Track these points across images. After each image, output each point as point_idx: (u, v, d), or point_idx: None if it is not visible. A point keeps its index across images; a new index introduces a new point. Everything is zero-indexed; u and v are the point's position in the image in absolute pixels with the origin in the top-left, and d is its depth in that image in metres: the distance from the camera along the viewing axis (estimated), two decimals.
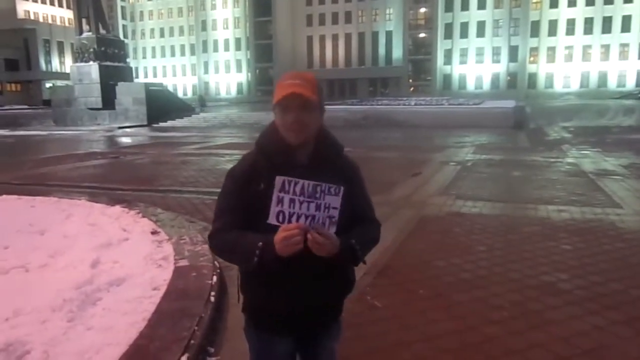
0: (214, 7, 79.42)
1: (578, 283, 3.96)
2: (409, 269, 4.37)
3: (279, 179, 1.41)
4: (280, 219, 1.42)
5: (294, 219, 1.42)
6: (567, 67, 62.59)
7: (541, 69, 63.87)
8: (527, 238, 5.26)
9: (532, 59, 63.96)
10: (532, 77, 64.11)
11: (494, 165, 11.00)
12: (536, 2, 62.99)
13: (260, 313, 1.64)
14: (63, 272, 3.86)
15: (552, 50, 63.08)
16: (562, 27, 62.22)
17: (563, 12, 61.89)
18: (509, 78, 64.58)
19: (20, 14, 68.55)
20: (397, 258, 4.65)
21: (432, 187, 8.46)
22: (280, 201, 1.42)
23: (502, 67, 64.83)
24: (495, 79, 65.27)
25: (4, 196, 7.18)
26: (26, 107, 51.70)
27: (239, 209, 1.53)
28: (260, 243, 1.43)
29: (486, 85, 65.51)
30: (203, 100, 39.06)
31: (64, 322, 2.95)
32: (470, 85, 66.08)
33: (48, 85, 59.83)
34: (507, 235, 5.37)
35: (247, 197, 1.51)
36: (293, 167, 1.48)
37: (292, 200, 1.42)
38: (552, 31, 62.60)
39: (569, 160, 11.51)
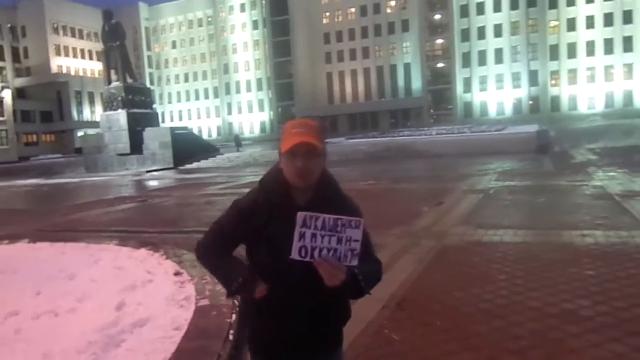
0: (235, 50, 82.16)
1: (600, 309, 3.89)
2: (427, 301, 4.37)
3: (300, 215, 1.45)
4: (303, 253, 1.46)
5: (316, 252, 1.46)
6: (590, 88, 61.83)
7: (564, 91, 63.29)
8: (548, 265, 5.19)
9: (553, 82, 63.54)
10: (555, 100, 63.50)
11: (517, 192, 10.89)
12: (553, 27, 63.06)
13: (259, 344, 1.70)
14: (90, 315, 4.00)
15: (573, 72, 62.59)
16: (581, 49, 61.88)
17: (582, 35, 61.70)
18: (531, 102, 64.13)
19: (54, 68, 72.32)
20: (415, 290, 4.66)
21: (454, 216, 8.43)
22: (302, 236, 1.45)
23: (523, 92, 64.55)
24: (517, 104, 64.90)
25: (39, 244, 7.52)
26: (60, 155, 53.84)
27: (231, 236, 1.65)
28: (241, 279, 1.56)
29: (508, 110, 65.14)
30: (239, 139, 40.25)
31: None
32: (492, 112, 65.80)
33: (80, 133, 62.30)
34: (527, 263, 5.31)
35: (244, 230, 1.61)
36: (292, 208, 1.54)
37: (313, 235, 1.45)
38: (572, 53, 62.28)
39: (595, 182, 11.30)
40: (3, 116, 57.90)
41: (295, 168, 1.55)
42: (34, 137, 68.04)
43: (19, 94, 65.96)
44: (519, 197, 10.29)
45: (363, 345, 3.48)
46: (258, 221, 1.59)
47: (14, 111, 60.90)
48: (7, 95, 59.41)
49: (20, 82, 70.26)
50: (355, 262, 1.48)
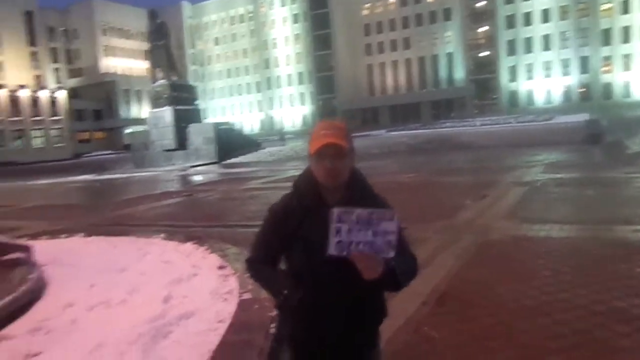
0: (275, 45, 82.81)
1: None
2: (469, 297, 4.31)
3: (334, 211, 1.47)
4: (340, 249, 1.48)
5: (353, 246, 1.47)
6: None
7: (617, 78, 60.15)
8: (597, 261, 5.01)
9: (605, 68, 60.47)
10: (607, 88, 60.44)
11: (565, 185, 10.51)
12: (606, 10, 59.91)
13: (297, 343, 1.74)
14: (139, 307, 4.20)
15: (627, 57, 59.32)
16: (637, 33, 58.53)
17: (637, 18, 58.35)
18: (581, 90, 61.34)
19: (102, 68, 75.30)
20: (456, 285, 4.61)
21: (498, 210, 8.24)
22: (338, 232, 1.47)
23: (573, 80, 61.81)
24: (566, 93, 62.23)
25: (92, 238, 7.94)
26: (110, 152, 56.13)
27: (273, 243, 1.72)
28: (285, 292, 1.64)
29: (557, 99, 62.59)
30: (283, 133, 41.07)
31: (138, 354, 3.24)
32: (540, 101, 63.42)
33: (128, 131, 64.72)
34: (575, 259, 5.14)
35: (281, 233, 1.68)
36: (324, 207, 1.58)
37: (349, 230, 1.47)
38: (626, 38, 59.03)
39: None
40: (58, 115, 60.89)
41: (324, 169, 1.60)
42: (87, 134, 71.26)
43: (72, 94, 69.15)
44: (567, 190, 9.93)
45: (402, 342, 3.49)
46: (292, 223, 1.65)
47: (68, 110, 63.91)
48: (62, 95, 62.43)
49: (73, 82, 73.61)
50: (392, 254, 1.49)
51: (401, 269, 1.59)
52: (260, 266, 1.77)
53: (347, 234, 1.47)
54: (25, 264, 5.32)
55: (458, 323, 3.78)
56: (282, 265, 1.78)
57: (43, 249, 6.28)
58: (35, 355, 3.40)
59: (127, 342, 3.41)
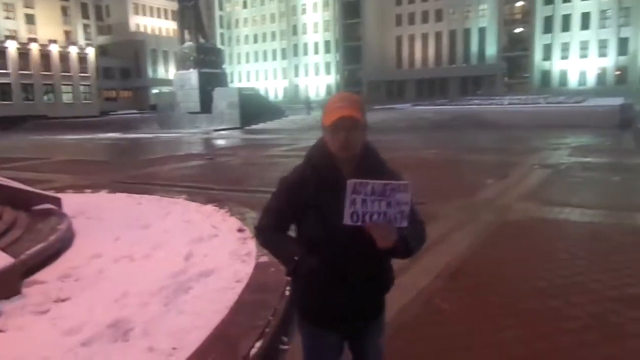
0: (304, 11, 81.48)
1: None
2: (482, 274, 4.36)
3: (350, 182, 1.49)
4: (355, 219, 1.51)
5: (367, 217, 1.51)
6: None
7: None
8: (616, 247, 4.99)
9: None
10: None
11: (591, 169, 10.32)
12: None
13: (308, 309, 1.82)
14: (162, 262, 4.37)
15: None
16: None
17: None
18: (617, 73, 59.07)
19: (132, 26, 75.35)
20: (471, 262, 4.65)
21: (519, 191, 8.18)
22: (353, 203, 1.50)
23: (609, 61, 59.46)
24: (601, 75, 60.00)
25: (117, 194, 8.17)
26: (136, 112, 56.74)
27: (285, 213, 1.75)
28: (296, 257, 1.66)
29: (591, 81, 60.46)
30: (309, 102, 39.92)
31: (160, 306, 3.40)
32: (573, 82, 61.37)
33: (154, 91, 65.13)
34: (593, 244, 5.12)
35: (295, 203, 1.71)
36: (339, 178, 1.62)
37: (364, 201, 1.50)
38: None
39: None
40: (87, 72, 61.52)
41: (339, 140, 1.63)
42: (114, 93, 71.98)
43: (101, 51, 69.59)
44: (593, 174, 9.75)
45: (413, 312, 3.58)
46: (307, 193, 1.68)
47: (97, 68, 64.49)
48: (91, 52, 62.88)
49: (102, 39, 73.94)
50: (405, 224, 1.53)
51: (413, 237, 1.64)
52: (270, 233, 1.79)
53: (362, 204, 1.50)
54: (55, 214, 5.54)
55: (469, 298, 3.84)
56: (292, 234, 1.80)
57: (71, 202, 6.51)
58: (65, 300, 3.59)
59: (150, 293, 3.57)
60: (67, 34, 65.82)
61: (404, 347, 3.09)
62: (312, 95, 76.86)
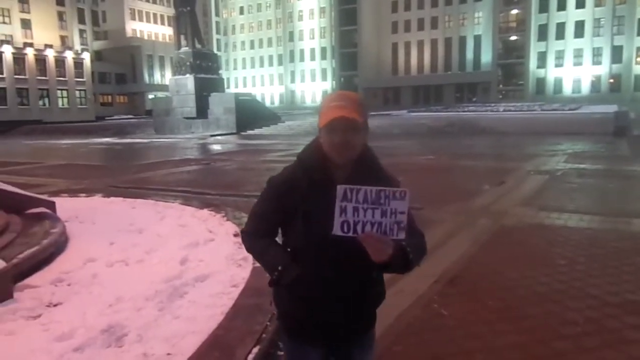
0: (300, 18, 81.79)
1: None
2: (480, 280, 4.34)
3: (340, 188, 1.36)
4: (346, 229, 1.37)
5: (359, 227, 1.36)
6: None
7: None
8: (613, 253, 4.97)
9: (638, 59, 58.48)
10: (639, 79, 58.59)
11: (587, 176, 10.35)
12: None
13: (292, 323, 1.67)
14: (156, 266, 4.32)
15: None
16: None
17: None
18: (611, 81, 59.52)
19: (129, 32, 75.35)
20: (469, 268, 4.63)
21: (515, 197, 8.18)
22: (343, 211, 1.36)
23: (603, 69, 59.93)
24: (595, 82, 60.46)
25: (112, 198, 8.11)
26: (132, 116, 56.62)
27: (272, 216, 1.62)
28: (280, 267, 1.55)
29: (585, 88, 60.90)
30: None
31: (155, 311, 3.35)
32: (567, 89, 61.78)
33: (150, 96, 65.05)
34: (591, 249, 5.10)
35: (283, 206, 1.56)
36: (331, 183, 1.46)
37: (355, 209, 1.36)
38: None
39: None
40: (83, 77, 61.35)
41: (333, 143, 1.47)
42: (109, 98, 71.82)
43: (96, 56, 69.47)
44: (588, 180, 9.78)
45: (411, 316, 3.54)
46: (296, 197, 1.53)
47: (92, 73, 64.35)
48: (87, 57, 62.75)
49: (98, 45, 73.91)
50: (402, 236, 1.39)
51: (413, 249, 1.50)
52: (256, 239, 1.67)
53: (354, 213, 1.36)
54: (49, 218, 5.48)
55: (468, 303, 3.81)
56: (279, 240, 1.67)
57: (65, 206, 6.45)
58: (57, 304, 3.54)
59: (145, 298, 3.53)
60: (63, 39, 65.71)
61: (402, 352, 3.06)
62: (309, 102, 77.14)
